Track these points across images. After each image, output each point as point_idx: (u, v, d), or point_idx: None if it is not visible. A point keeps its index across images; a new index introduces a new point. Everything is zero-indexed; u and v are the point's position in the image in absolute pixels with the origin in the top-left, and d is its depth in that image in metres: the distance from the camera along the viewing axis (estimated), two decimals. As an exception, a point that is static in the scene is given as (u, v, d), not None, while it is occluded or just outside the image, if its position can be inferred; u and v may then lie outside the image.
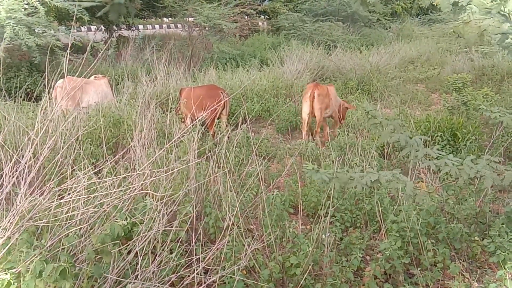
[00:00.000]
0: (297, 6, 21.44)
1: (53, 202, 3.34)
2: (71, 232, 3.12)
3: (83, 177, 3.67)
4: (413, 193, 3.48)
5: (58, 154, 4.29)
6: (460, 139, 7.17)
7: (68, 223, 3.33)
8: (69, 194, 3.54)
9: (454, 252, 4.65)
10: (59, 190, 3.56)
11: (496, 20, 3.08)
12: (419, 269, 4.28)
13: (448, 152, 6.93)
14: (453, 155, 6.69)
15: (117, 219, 3.20)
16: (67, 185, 3.54)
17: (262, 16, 21.33)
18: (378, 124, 3.79)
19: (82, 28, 16.63)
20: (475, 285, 4.36)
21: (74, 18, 7.44)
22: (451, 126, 7.35)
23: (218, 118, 7.83)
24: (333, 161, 5.72)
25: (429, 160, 3.60)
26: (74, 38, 11.43)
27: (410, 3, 27.22)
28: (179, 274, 3.55)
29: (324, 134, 8.42)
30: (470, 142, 7.02)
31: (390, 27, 24.38)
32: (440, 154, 3.61)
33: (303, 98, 8.31)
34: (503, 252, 4.38)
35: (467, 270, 4.52)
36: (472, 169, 3.38)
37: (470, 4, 2.69)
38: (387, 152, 6.90)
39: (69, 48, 4.44)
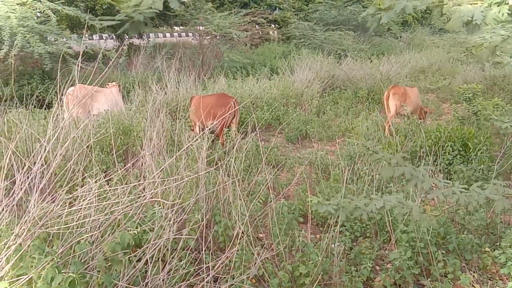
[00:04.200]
0: (307, 15, 21.49)
1: (64, 209, 3.36)
2: (82, 239, 3.14)
3: (94, 185, 3.70)
4: (420, 218, 3.47)
5: (69, 162, 4.32)
6: (471, 149, 7.12)
7: (79, 230, 3.36)
8: (80, 201, 3.57)
9: (464, 263, 4.62)
10: (70, 197, 3.59)
11: (508, 37, 3.08)
12: (429, 279, 4.25)
13: (459, 162, 6.90)
14: (463, 165, 6.71)
15: (127, 227, 3.21)
16: (78, 193, 3.56)
17: (273, 25, 21.38)
18: (379, 159, 3.77)
19: (94, 36, 16.78)
20: (486, 296, 4.34)
21: (86, 26, 7.52)
22: (461, 136, 7.30)
23: (228, 127, 7.85)
24: (342, 171, 5.70)
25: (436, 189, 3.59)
26: (86, 46, 11.55)
27: (421, 12, 27.20)
28: (188, 282, 3.56)
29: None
30: (481, 153, 6.97)
31: (400, 37, 24.36)
32: (446, 182, 3.59)
33: (383, 98, 9.59)
34: (514, 264, 4.36)
35: (478, 281, 4.49)
36: (480, 195, 3.36)
37: (484, 24, 2.71)
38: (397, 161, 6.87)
39: (80, 56, 4.49)
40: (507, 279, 4.45)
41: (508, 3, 2.67)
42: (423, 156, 6.53)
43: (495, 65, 13.93)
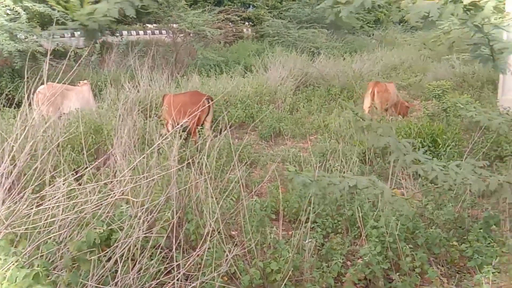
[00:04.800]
0: (281, 13, 21.52)
1: (32, 208, 3.32)
2: (49, 238, 3.11)
3: (63, 184, 3.66)
4: (391, 199, 3.51)
5: (37, 161, 4.26)
6: (440, 145, 7.25)
7: (47, 230, 3.32)
8: (48, 200, 3.53)
9: (433, 257, 4.70)
10: (38, 196, 3.55)
11: (466, 31, 3.19)
12: (398, 274, 4.32)
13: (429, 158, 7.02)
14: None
15: (95, 226, 3.19)
16: (46, 192, 3.52)
17: (247, 23, 21.36)
18: (366, 127, 3.77)
19: (66, 33, 16.52)
20: (453, 289, 4.43)
21: (55, 23, 7.41)
22: (431, 132, 7.43)
23: (201, 125, 7.84)
24: (314, 167, 5.74)
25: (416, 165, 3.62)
26: (57, 43, 11.39)
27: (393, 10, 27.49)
28: (159, 280, 3.55)
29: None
30: (450, 148, 7.10)
31: (373, 34, 24.60)
32: (427, 158, 3.63)
33: (364, 95, 9.87)
34: (481, 257, 4.45)
35: (446, 275, 4.58)
36: (458, 174, 3.42)
37: (440, 20, 2.78)
38: (369, 158, 6.96)
39: (49, 54, 4.44)
40: (474, 272, 4.54)
41: (462, 2, 2.75)
42: (409, 141, 6.63)
43: (465, 62, 14.18)
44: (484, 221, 4.99)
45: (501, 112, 8.83)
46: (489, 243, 4.68)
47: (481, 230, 4.76)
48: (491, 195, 4.45)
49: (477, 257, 4.46)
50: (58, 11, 10.76)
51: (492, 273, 4.06)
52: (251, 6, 21.81)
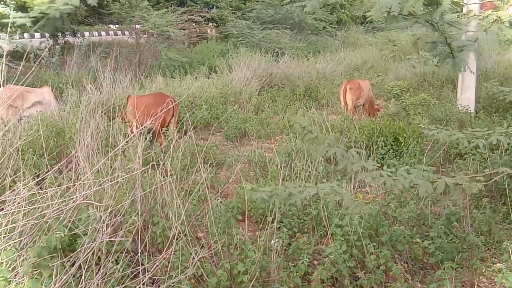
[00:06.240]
0: (245, 14, 21.58)
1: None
2: (9, 245, 3.02)
3: (24, 188, 3.57)
4: (350, 204, 3.57)
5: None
6: (402, 144, 7.37)
7: (7, 236, 3.23)
8: (8, 206, 3.44)
9: (397, 254, 4.75)
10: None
11: (427, 30, 3.26)
12: (363, 271, 4.36)
13: (392, 157, 7.14)
14: (396, 159, 6.95)
15: (57, 231, 3.12)
16: (6, 197, 3.43)
17: (210, 24, 21.34)
18: (314, 139, 3.85)
19: (25, 35, 16.14)
20: (418, 285, 4.49)
21: (9, 24, 7.21)
22: (392, 131, 7.55)
23: (166, 126, 7.77)
24: (279, 167, 5.76)
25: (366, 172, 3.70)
26: (16, 44, 11.12)
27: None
28: (125, 285, 3.50)
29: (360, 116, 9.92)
30: (412, 146, 7.22)
31: (336, 35, 24.88)
32: (375, 166, 3.71)
33: (339, 93, 10.19)
34: (443, 253, 4.54)
35: (410, 272, 4.65)
36: (406, 179, 3.49)
37: (401, 14, 2.84)
38: (334, 157, 7.01)
39: (4, 55, 4.33)
40: (437, 268, 4.63)
41: (422, -4, 2.80)
42: (357, 151, 6.69)
43: (425, 62, 14.49)
44: (446, 217, 5.09)
45: (460, 110, 9.13)
46: (451, 239, 4.78)
47: (443, 227, 4.85)
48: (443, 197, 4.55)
49: (439, 254, 4.55)
50: (16, 11, 10.55)
51: (455, 268, 4.16)
52: (214, 7, 21.79)
